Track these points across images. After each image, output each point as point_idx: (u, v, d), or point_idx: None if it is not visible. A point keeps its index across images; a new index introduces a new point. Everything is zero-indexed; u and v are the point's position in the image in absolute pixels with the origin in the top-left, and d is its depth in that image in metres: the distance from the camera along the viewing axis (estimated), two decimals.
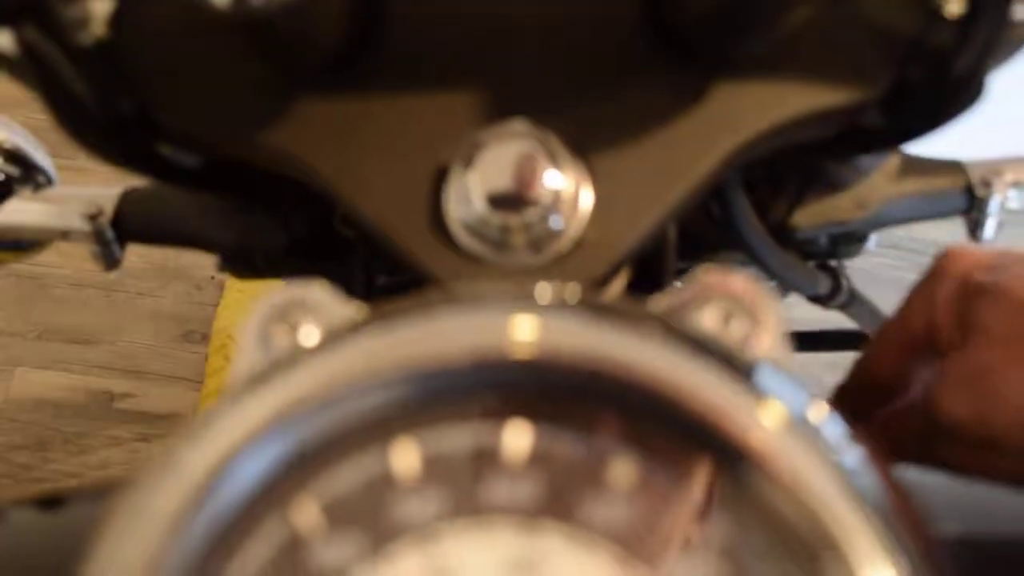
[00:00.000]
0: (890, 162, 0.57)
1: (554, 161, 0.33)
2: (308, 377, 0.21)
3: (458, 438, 0.21)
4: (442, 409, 0.21)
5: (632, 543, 0.19)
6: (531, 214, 0.33)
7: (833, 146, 0.41)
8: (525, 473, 0.20)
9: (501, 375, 0.20)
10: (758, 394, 0.21)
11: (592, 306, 0.22)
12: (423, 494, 0.20)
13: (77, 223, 0.58)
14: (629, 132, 0.35)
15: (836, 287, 0.65)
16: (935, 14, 0.34)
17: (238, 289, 1.90)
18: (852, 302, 0.69)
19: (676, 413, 0.20)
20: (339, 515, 0.20)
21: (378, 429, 0.20)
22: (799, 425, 0.21)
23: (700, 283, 0.26)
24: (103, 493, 0.41)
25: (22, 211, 0.59)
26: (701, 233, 0.55)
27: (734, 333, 0.26)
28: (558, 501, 0.20)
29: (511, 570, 0.19)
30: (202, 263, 1.95)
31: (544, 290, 0.22)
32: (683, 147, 0.35)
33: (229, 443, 0.20)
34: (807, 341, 1.03)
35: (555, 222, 0.33)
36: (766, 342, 0.26)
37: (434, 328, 0.21)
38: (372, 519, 0.20)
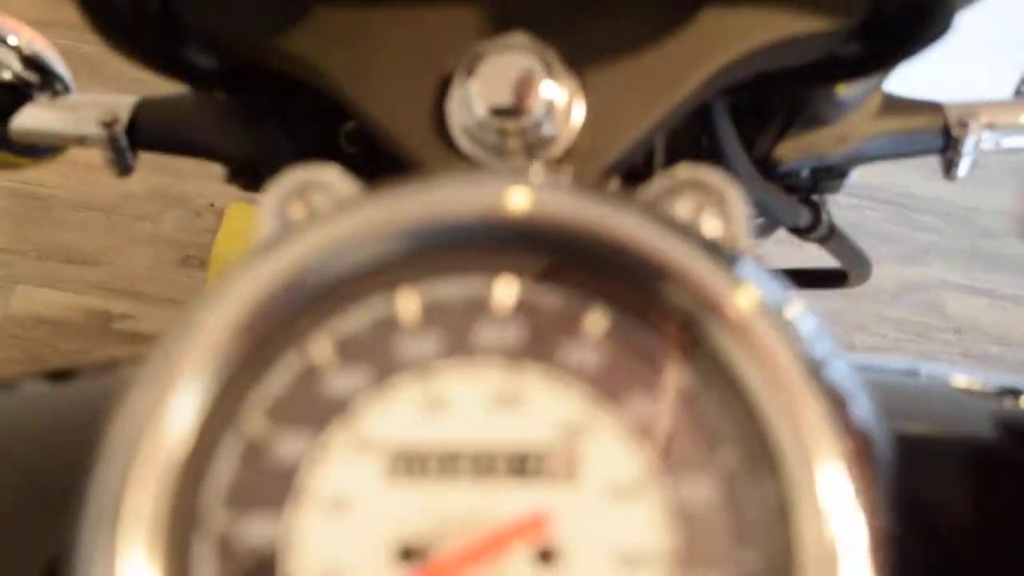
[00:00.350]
0: (871, 100, 0.60)
1: (550, 73, 0.35)
2: (322, 231, 0.23)
3: (454, 288, 0.24)
4: (441, 262, 0.24)
5: (602, 383, 0.22)
6: (526, 121, 0.35)
7: (812, 74, 0.44)
8: (511, 320, 0.23)
9: (494, 233, 0.23)
10: (732, 270, 0.24)
11: (579, 183, 0.25)
12: (422, 335, 0.23)
13: (93, 129, 0.60)
14: (621, 50, 0.37)
15: (816, 220, 0.68)
16: None
17: (236, 217, 1.92)
18: (831, 237, 0.72)
19: (652, 276, 0.23)
20: (349, 351, 0.23)
21: (386, 278, 0.23)
22: (769, 305, 0.24)
23: (676, 177, 0.29)
24: (113, 367, 0.44)
25: (40, 116, 0.61)
26: (687, 158, 0.58)
27: (705, 223, 0.29)
28: (539, 345, 0.23)
29: (495, 402, 0.23)
30: (202, 191, 1.97)
31: (538, 171, 0.25)
32: (670, 66, 0.37)
33: (255, 286, 0.23)
34: (793, 278, 1.06)
35: (548, 129, 0.36)
36: (733, 232, 0.29)
37: (435, 191, 0.24)
38: (377, 355, 0.23)
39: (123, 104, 0.61)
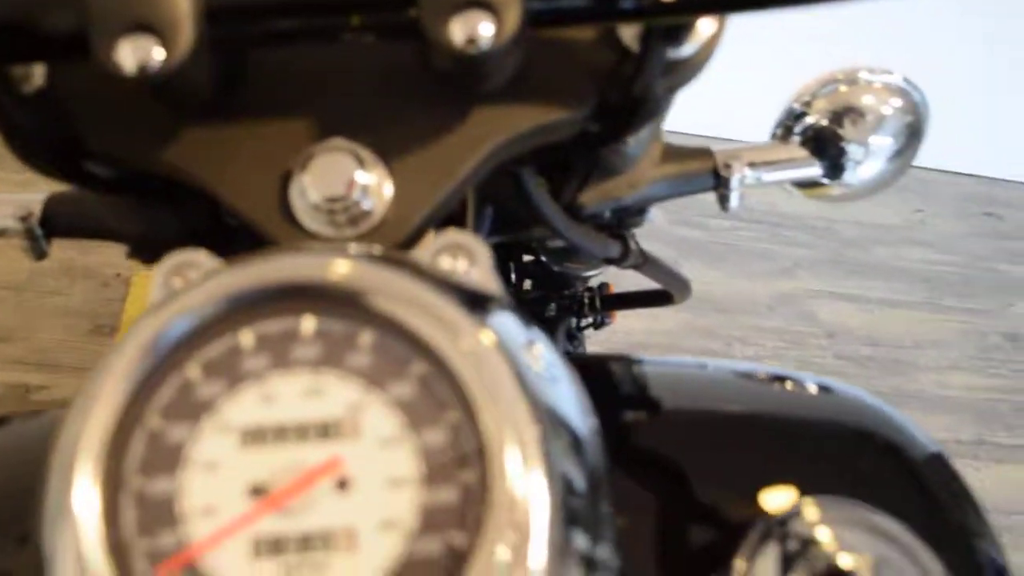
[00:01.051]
0: (653, 150, 0.73)
1: (362, 165, 0.48)
2: (194, 293, 0.36)
3: (276, 325, 0.36)
4: (267, 309, 0.36)
5: (373, 377, 0.35)
6: (348, 202, 0.48)
7: (573, 144, 0.57)
8: (312, 342, 0.36)
9: (301, 289, 0.36)
10: (467, 306, 0.38)
11: (369, 255, 0.38)
12: (257, 356, 0.36)
13: (11, 223, 0.71)
14: (415, 142, 0.50)
15: (626, 251, 0.80)
16: (623, 52, 0.51)
17: (143, 285, 2.01)
18: (644, 263, 0.85)
19: (399, 321, 0.36)
20: (210, 369, 0.36)
21: (232, 322, 0.36)
22: (493, 333, 0.37)
23: (442, 239, 0.42)
24: (41, 414, 0.55)
25: None
26: (515, 213, 0.71)
27: (460, 269, 0.42)
28: (331, 356, 0.36)
29: (306, 395, 0.35)
30: (109, 261, 2.06)
31: (346, 248, 0.38)
32: (453, 151, 0.50)
33: (149, 334, 0.35)
34: (623, 300, 1.21)
35: (366, 205, 0.48)
36: (483, 277, 0.42)
37: (265, 265, 0.37)
38: (229, 371, 0.36)
39: (35, 200, 0.72)
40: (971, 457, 2.35)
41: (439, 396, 0.36)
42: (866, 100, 0.76)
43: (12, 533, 0.48)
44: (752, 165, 0.76)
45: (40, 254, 0.73)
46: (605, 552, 0.40)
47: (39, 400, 1.84)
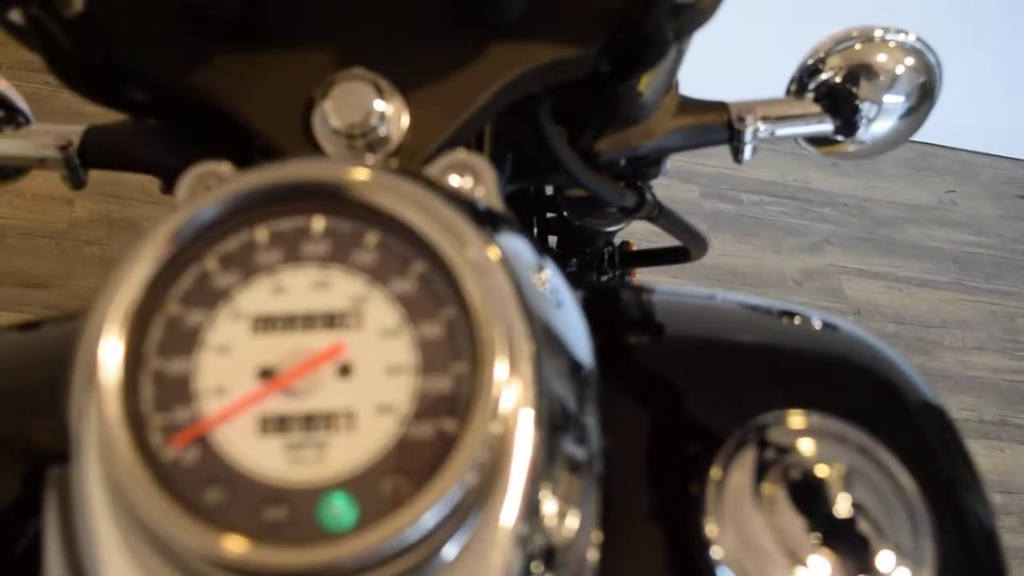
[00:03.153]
0: (669, 102, 0.75)
1: (381, 94, 0.50)
2: (216, 191, 0.39)
3: (289, 223, 0.39)
4: (282, 208, 0.39)
5: (376, 273, 0.38)
6: (366, 127, 0.50)
7: (586, 86, 0.59)
8: (323, 239, 0.39)
9: (314, 190, 0.39)
10: (467, 217, 0.40)
11: (382, 166, 0.41)
12: (270, 251, 0.39)
13: (51, 152, 0.74)
14: (432, 73, 0.52)
15: (641, 200, 0.82)
16: None
17: None
18: (660, 215, 0.88)
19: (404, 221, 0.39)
20: (227, 261, 0.38)
21: (249, 219, 0.39)
22: (491, 242, 0.39)
23: (450, 158, 0.45)
24: (77, 316, 0.58)
25: (6, 144, 0.75)
26: (533, 161, 0.74)
27: (465, 187, 0.45)
28: (340, 253, 0.39)
29: (314, 288, 0.38)
30: (146, 214, 2.10)
31: (361, 158, 0.41)
32: (468, 83, 0.52)
33: (171, 228, 0.38)
34: (643, 257, 1.23)
35: (383, 131, 0.51)
36: (488, 193, 0.45)
37: (282, 166, 0.40)
38: (244, 264, 0.38)
39: (74, 131, 0.75)
40: (994, 438, 2.35)
41: (439, 295, 0.38)
42: (880, 58, 0.77)
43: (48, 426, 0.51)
44: (765, 119, 0.78)
45: (77, 183, 0.76)
46: (586, 456, 0.43)
47: None
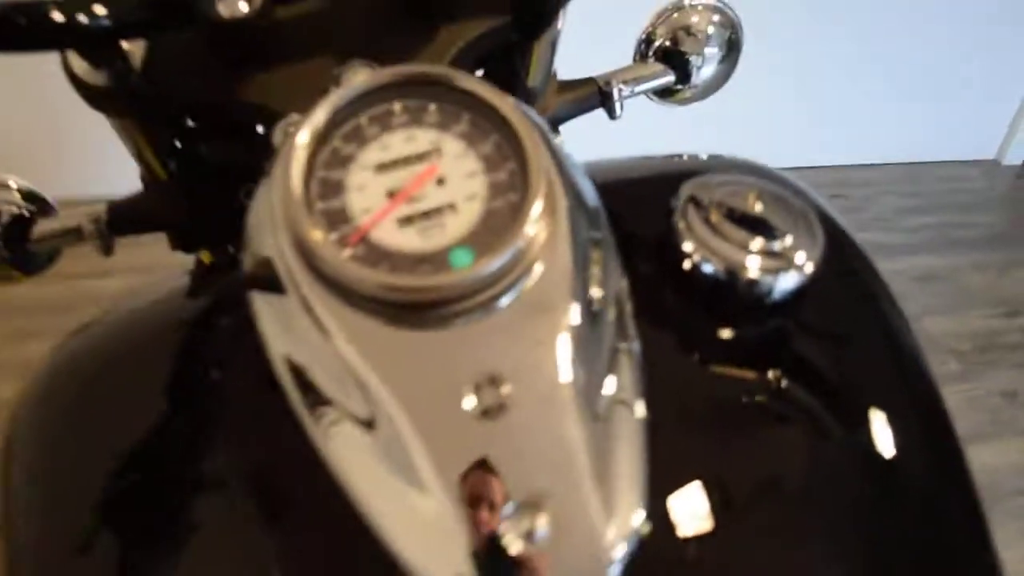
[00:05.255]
0: (551, 85, 0.98)
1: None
2: (331, 97, 0.60)
3: (383, 108, 0.60)
4: (374, 98, 0.61)
5: (442, 124, 0.60)
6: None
7: (505, 54, 0.82)
8: (403, 113, 0.60)
9: (404, 88, 0.61)
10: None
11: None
12: (371, 127, 0.59)
13: (86, 224, 0.88)
14: (405, 55, 0.74)
15: None
16: None
17: None
18: None
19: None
20: (347, 138, 0.58)
21: (352, 112, 0.60)
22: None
23: None
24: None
25: (49, 223, 0.91)
26: None
27: None
28: (416, 119, 0.60)
29: (406, 141, 0.59)
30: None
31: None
32: (431, 59, 0.75)
33: (312, 122, 0.59)
34: None
35: None
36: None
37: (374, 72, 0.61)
38: (358, 138, 0.58)
39: (100, 208, 0.92)
40: None
41: (486, 130, 0.60)
42: (694, 19, 1.04)
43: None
44: (625, 82, 1.01)
45: (108, 250, 0.92)
46: (601, 236, 0.64)
47: None
